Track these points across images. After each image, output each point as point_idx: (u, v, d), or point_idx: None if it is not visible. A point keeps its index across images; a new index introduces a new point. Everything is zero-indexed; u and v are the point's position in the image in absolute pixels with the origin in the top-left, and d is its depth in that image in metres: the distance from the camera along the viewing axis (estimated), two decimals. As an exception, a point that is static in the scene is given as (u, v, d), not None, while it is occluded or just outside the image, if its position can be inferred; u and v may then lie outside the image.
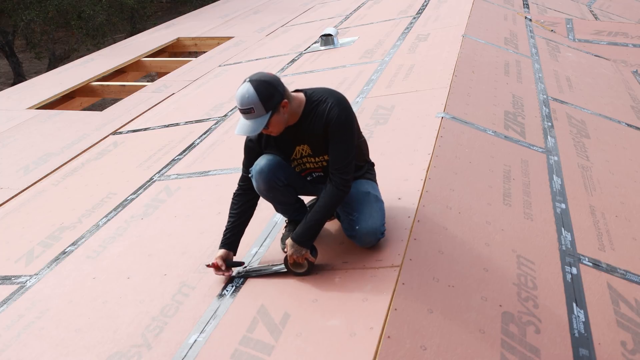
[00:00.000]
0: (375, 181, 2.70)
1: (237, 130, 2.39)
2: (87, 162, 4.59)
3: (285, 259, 2.52)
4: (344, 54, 6.09)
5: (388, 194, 2.83)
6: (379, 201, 2.60)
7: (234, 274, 2.64)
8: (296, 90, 2.52)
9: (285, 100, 2.37)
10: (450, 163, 3.36)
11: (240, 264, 2.65)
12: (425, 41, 5.84)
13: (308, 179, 2.65)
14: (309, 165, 2.59)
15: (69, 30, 13.87)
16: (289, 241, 2.47)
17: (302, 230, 2.45)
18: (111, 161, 4.52)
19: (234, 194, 2.68)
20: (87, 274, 2.99)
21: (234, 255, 2.66)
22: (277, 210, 2.78)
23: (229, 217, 2.66)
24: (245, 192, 2.64)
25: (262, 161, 2.53)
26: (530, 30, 6.85)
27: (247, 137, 2.58)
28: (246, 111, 2.33)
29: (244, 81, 2.36)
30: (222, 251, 2.62)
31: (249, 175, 2.58)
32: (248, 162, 2.61)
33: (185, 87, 6.19)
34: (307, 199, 2.86)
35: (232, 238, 2.64)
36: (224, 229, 2.65)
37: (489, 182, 3.27)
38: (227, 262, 2.61)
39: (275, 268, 2.60)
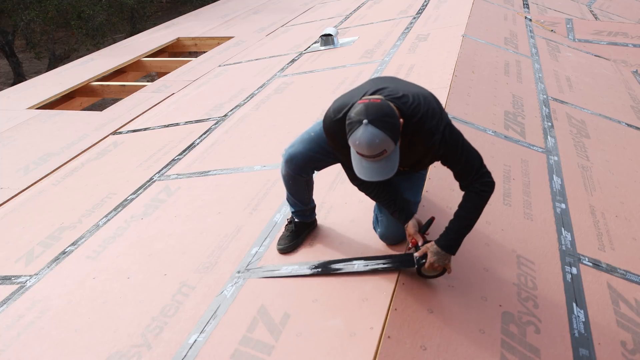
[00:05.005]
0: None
1: (372, 177, 2.07)
2: (87, 162, 4.59)
3: (419, 263, 2.35)
4: (344, 54, 6.09)
5: (388, 194, 2.83)
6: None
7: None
8: (376, 92, 2.20)
9: (402, 119, 2.09)
10: (450, 163, 3.36)
11: (430, 221, 2.44)
12: (425, 41, 5.84)
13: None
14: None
15: (69, 30, 13.86)
16: (433, 248, 2.28)
17: (453, 238, 2.28)
18: (111, 161, 4.52)
19: (362, 187, 2.45)
20: (87, 274, 2.99)
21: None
22: (290, 199, 2.67)
23: (384, 202, 2.45)
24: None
25: (299, 147, 2.44)
26: (530, 30, 6.85)
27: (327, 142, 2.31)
28: (378, 155, 2.01)
29: (360, 124, 1.97)
30: (409, 226, 2.42)
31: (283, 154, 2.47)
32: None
33: (185, 87, 6.19)
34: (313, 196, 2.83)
35: (402, 210, 2.42)
36: (389, 208, 2.44)
37: (489, 182, 3.26)
38: (421, 229, 2.44)
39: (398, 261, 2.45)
